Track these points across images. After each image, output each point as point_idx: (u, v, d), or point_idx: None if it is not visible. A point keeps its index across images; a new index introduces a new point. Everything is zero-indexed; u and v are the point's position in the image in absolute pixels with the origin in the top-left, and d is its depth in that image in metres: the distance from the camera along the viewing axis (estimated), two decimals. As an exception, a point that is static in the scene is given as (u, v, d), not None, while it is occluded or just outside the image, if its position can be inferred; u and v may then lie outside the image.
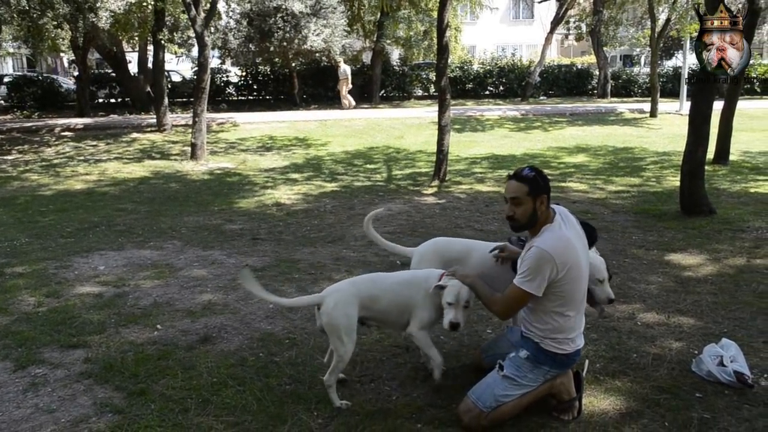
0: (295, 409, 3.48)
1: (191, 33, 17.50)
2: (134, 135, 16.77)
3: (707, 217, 7.55)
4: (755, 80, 26.09)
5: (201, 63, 13.17)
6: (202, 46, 13.02)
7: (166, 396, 3.63)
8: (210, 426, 3.33)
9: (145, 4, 15.92)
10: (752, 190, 9.15)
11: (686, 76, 20.64)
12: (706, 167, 8.17)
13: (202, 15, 12.91)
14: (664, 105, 21.01)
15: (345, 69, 22.21)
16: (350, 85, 22.48)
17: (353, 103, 22.36)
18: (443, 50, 10.11)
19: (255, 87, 26.11)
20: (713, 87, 7.83)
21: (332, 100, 24.19)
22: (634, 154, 13.08)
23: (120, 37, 20.12)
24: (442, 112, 10.16)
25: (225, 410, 3.48)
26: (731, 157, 11.39)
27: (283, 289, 5.36)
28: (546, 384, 3.35)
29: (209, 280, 5.68)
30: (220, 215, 8.40)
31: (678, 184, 8.26)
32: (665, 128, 17.33)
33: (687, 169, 7.81)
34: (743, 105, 12.57)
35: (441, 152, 10.25)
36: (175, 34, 19.79)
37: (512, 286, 3.27)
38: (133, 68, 24.15)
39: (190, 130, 13.73)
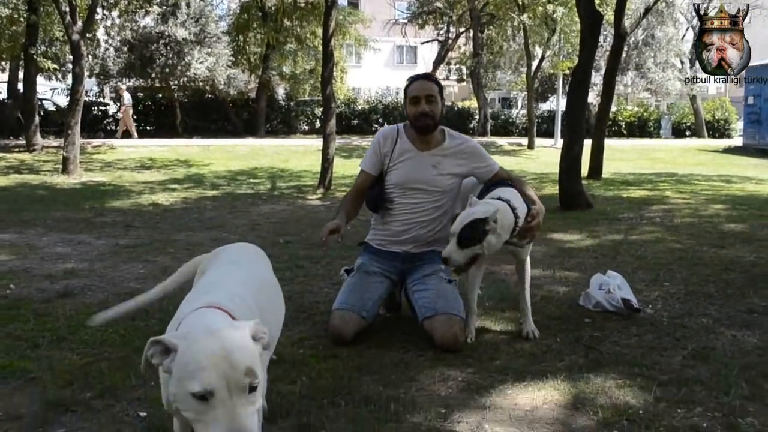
0: (164, 342, 3.15)
1: (68, 57, 16.55)
2: (0, 154, 15.64)
3: (585, 210, 7.76)
4: (622, 123, 27.86)
5: (76, 74, 12.46)
6: (78, 57, 12.36)
7: (14, 335, 3.22)
8: (64, 357, 2.95)
9: (16, 15, 14.98)
10: (624, 195, 9.54)
11: (561, 113, 21.70)
12: (582, 181, 8.44)
13: (79, 24, 12.33)
14: (541, 140, 21.90)
15: (126, 97, 21.70)
16: (131, 115, 21.97)
17: (135, 135, 21.60)
18: (328, 59, 10.04)
19: (135, 117, 25.14)
20: (587, 86, 8.20)
21: (216, 132, 23.68)
22: (516, 174, 13.41)
23: (-14, 57, 18.87)
24: (326, 120, 10.05)
25: (83, 345, 3.11)
26: (603, 176, 11.89)
27: (157, 260, 4.99)
28: None
29: (74, 255, 5.21)
30: (91, 211, 7.80)
31: (556, 192, 8.51)
32: (542, 158, 18.00)
33: (565, 165, 8.06)
34: (612, 143, 13.31)
35: (326, 160, 10.05)
36: (49, 49, 18.68)
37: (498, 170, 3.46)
38: (1, 95, 22.72)
39: (62, 151, 12.81)
